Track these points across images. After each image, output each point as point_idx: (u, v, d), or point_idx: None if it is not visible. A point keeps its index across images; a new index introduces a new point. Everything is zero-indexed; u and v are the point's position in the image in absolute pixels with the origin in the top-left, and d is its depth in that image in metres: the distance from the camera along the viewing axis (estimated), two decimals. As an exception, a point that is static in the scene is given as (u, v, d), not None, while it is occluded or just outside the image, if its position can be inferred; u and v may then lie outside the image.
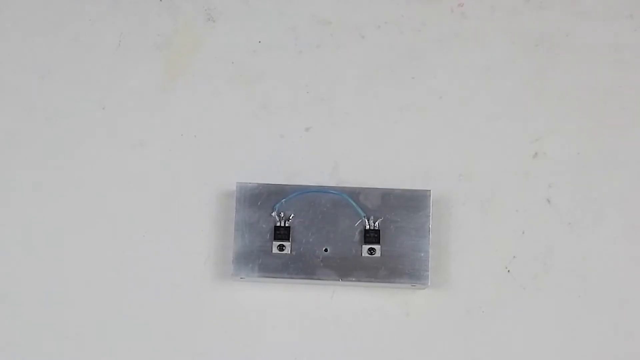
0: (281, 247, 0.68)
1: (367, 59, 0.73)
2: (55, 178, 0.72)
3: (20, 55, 0.73)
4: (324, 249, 0.68)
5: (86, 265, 0.71)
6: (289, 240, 0.68)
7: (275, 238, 0.68)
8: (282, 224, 0.69)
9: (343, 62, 0.73)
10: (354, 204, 0.69)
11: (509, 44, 0.74)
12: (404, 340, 0.70)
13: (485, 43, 0.74)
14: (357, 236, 0.69)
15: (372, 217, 0.69)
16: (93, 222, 0.71)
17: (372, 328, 0.70)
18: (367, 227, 0.69)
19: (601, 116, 0.72)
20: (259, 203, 0.69)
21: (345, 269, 0.68)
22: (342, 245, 0.68)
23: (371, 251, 0.68)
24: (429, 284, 0.68)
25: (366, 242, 0.68)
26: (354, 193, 0.69)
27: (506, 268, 0.70)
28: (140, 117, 0.72)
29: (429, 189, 0.69)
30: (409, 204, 0.68)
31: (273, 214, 0.69)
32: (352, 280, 0.68)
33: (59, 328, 0.70)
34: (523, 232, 0.71)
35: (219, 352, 0.70)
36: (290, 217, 0.69)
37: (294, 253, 0.68)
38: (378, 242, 0.68)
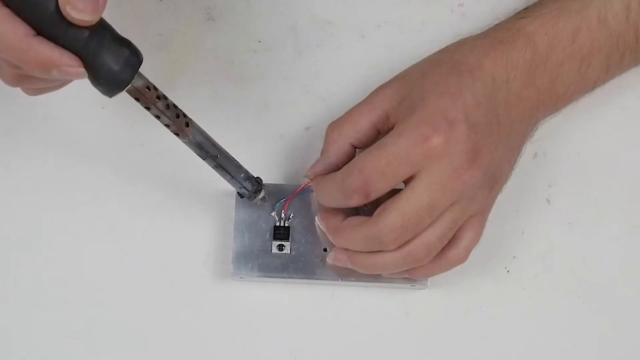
0: (281, 247, 0.68)
1: (367, 59, 0.73)
2: (55, 178, 0.72)
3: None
4: (323, 248, 0.68)
5: (86, 265, 0.71)
6: (288, 240, 0.68)
7: (275, 238, 0.68)
8: (282, 224, 0.69)
9: (343, 61, 0.73)
10: (353, 203, 0.69)
11: (509, 44, 0.73)
12: (404, 340, 0.70)
13: (485, 43, 0.74)
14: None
15: (371, 217, 0.69)
16: (93, 222, 0.71)
17: (372, 328, 0.70)
18: (367, 227, 0.68)
19: (601, 116, 0.72)
20: (258, 203, 0.69)
21: (345, 268, 0.68)
22: (342, 245, 0.68)
23: (371, 251, 0.68)
24: (429, 284, 0.68)
25: (366, 242, 0.68)
26: (354, 193, 0.69)
27: (506, 268, 0.70)
28: (140, 117, 0.72)
29: (429, 188, 0.69)
30: (409, 204, 0.68)
31: (273, 213, 0.69)
32: (351, 280, 0.68)
33: (58, 327, 0.70)
34: (523, 232, 0.71)
35: (218, 352, 0.70)
36: (290, 217, 0.69)
37: (293, 253, 0.68)
38: (378, 242, 0.68)
